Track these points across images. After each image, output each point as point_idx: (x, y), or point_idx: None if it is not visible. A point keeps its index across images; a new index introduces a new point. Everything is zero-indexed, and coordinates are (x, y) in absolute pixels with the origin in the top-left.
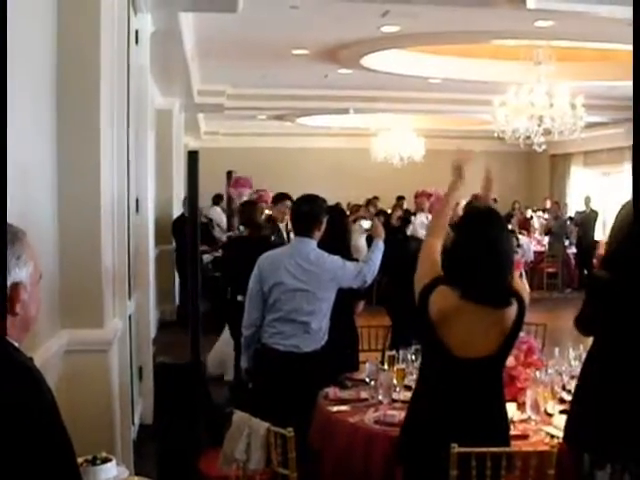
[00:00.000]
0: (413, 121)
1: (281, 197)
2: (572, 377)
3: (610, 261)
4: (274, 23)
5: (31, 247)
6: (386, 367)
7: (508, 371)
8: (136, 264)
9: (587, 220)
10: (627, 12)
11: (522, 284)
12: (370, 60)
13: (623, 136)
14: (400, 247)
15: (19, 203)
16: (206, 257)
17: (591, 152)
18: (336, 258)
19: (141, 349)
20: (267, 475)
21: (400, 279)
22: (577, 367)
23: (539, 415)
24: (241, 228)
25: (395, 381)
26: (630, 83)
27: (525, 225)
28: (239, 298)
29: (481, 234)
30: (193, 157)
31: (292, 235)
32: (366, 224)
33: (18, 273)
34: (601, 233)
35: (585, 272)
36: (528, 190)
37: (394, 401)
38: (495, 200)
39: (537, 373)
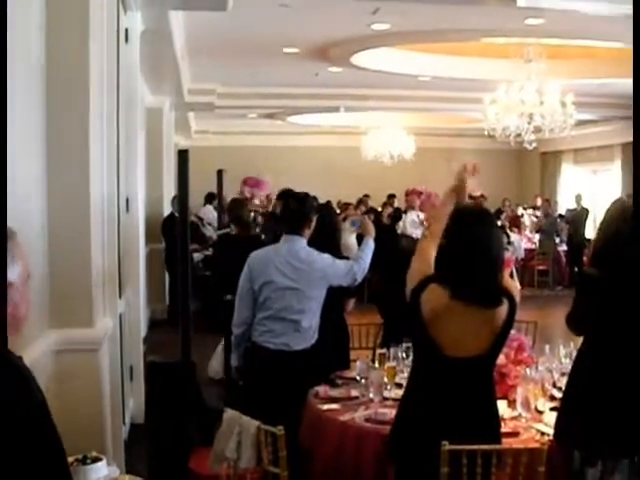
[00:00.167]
0: (403, 119)
1: (285, 194)
2: (563, 374)
3: (599, 258)
4: (264, 21)
5: (21, 246)
6: (377, 365)
7: (499, 369)
8: (126, 263)
9: (578, 217)
10: (616, 9)
11: (512, 282)
12: (360, 58)
13: (613, 134)
14: (391, 245)
15: (8, 202)
16: (197, 256)
17: (581, 150)
18: (326, 256)
19: (132, 348)
20: (258, 474)
21: (391, 277)
22: (568, 364)
23: (530, 412)
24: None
25: (386, 379)
26: (620, 80)
27: (516, 222)
28: (227, 297)
29: (470, 233)
30: (183, 156)
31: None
32: (352, 219)
33: (8, 273)
34: (592, 231)
35: (576, 269)
36: (519, 188)
37: (385, 399)
38: (484, 197)
39: (527, 370)
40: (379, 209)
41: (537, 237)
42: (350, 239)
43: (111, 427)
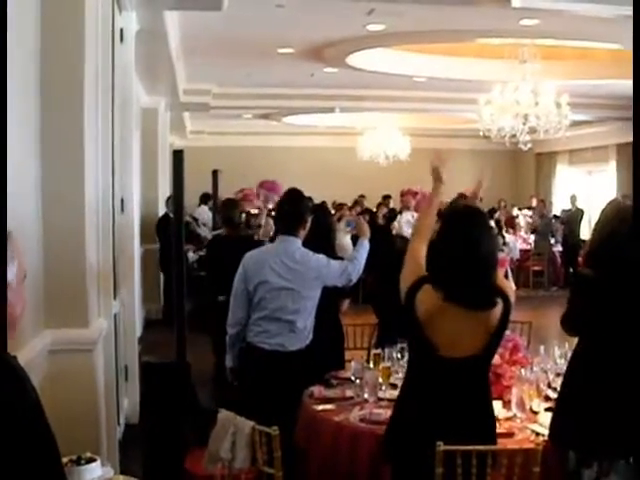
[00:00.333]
0: (399, 120)
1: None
2: (557, 375)
3: (594, 259)
4: (259, 22)
5: (17, 246)
6: (372, 365)
7: (494, 369)
8: (121, 263)
9: (573, 218)
10: (610, 10)
11: (507, 283)
12: (356, 59)
13: (608, 134)
14: (386, 246)
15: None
16: (191, 256)
17: (576, 150)
18: (321, 257)
19: (127, 348)
20: (252, 474)
21: (386, 277)
22: (562, 365)
23: (524, 413)
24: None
25: (381, 379)
26: (615, 81)
27: (511, 223)
28: (220, 298)
29: (463, 234)
30: (178, 156)
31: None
32: (347, 219)
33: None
34: (587, 231)
35: (571, 270)
36: (514, 188)
37: (380, 399)
38: (480, 199)
39: (522, 371)
40: (374, 210)
41: (532, 238)
42: (345, 240)
43: (106, 427)
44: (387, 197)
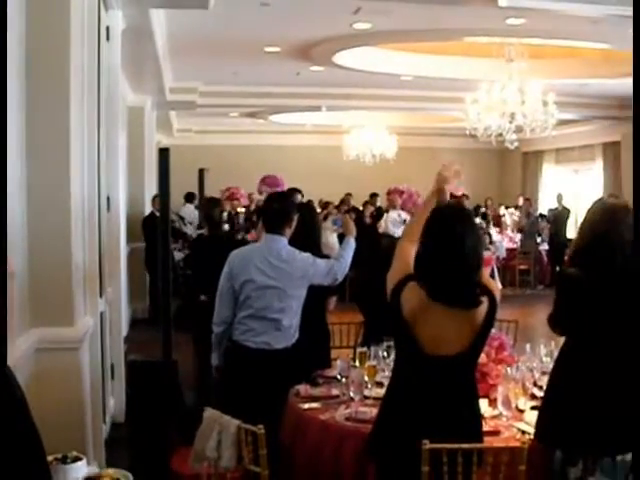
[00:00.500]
0: (385, 118)
1: (291, 192)
2: (543, 373)
3: (579, 258)
4: (245, 20)
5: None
6: (357, 364)
7: (480, 368)
8: (107, 262)
9: (559, 217)
10: (596, 10)
11: (492, 281)
12: (342, 57)
13: (594, 134)
14: (373, 244)
15: None
16: (177, 255)
17: (563, 149)
18: (307, 255)
19: (113, 347)
20: (238, 473)
21: (372, 276)
22: (548, 363)
23: (510, 411)
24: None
25: (366, 378)
26: (601, 81)
27: (497, 222)
28: (202, 297)
29: (447, 232)
30: (164, 154)
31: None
32: (333, 218)
33: None
34: (573, 230)
35: (557, 269)
36: (500, 187)
37: (365, 398)
38: (466, 197)
39: (508, 369)
40: (360, 208)
41: (518, 237)
42: (331, 238)
43: (91, 426)
44: (374, 195)
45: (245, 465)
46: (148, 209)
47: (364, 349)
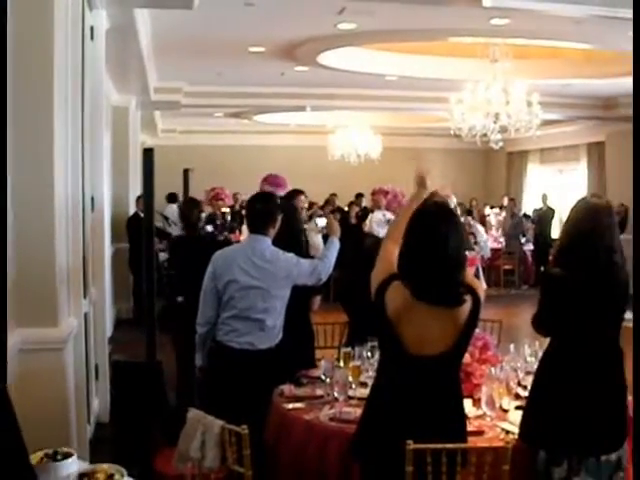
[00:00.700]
0: (370, 119)
1: (294, 193)
2: (527, 373)
3: (563, 257)
4: (230, 20)
5: None
6: (342, 364)
7: (464, 367)
8: (91, 262)
9: (544, 217)
10: (581, 11)
11: (476, 281)
12: (327, 57)
13: (579, 134)
14: (358, 244)
15: None
16: (162, 255)
17: (547, 149)
18: (290, 255)
19: (97, 348)
20: (222, 473)
21: (357, 276)
22: (533, 363)
23: (494, 411)
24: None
25: (351, 378)
26: (585, 81)
27: (482, 222)
28: (178, 299)
29: (430, 231)
30: (149, 155)
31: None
32: (321, 222)
33: None
34: (558, 230)
35: (542, 269)
36: (485, 187)
37: (350, 398)
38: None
39: (492, 369)
40: (345, 208)
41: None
42: (316, 239)
43: (76, 426)
44: (359, 195)
45: (229, 465)
46: (132, 209)
47: (348, 349)
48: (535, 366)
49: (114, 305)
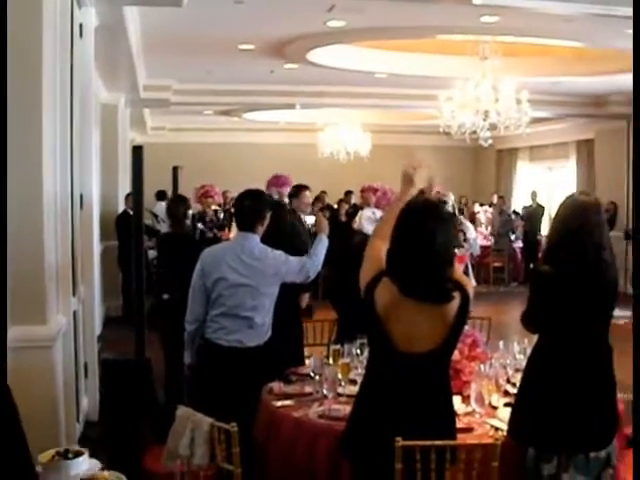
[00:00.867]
0: (359, 116)
1: (299, 189)
2: (517, 370)
3: (552, 254)
4: (219, 18)
5: None
6: (331, 361)
7: (453, 364)
8: (80, 260)
9: (533, 214)
10: (570, 8)
11: (465, 278)
12: (316, 55)
13: (568, 131)
14: (347, 242)
15: None
16: (151, 253)
17: (537, 147)
18: (279, 253)
19: (86, 346)
20: (211, 470)
21: (346, 273)
22: (522, 360)
23: (484, 408)
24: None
25: (340, 375)
26: (575, 79)
27: (472, 219)
28: (164, 296)
29: (418, 227)
30: (138, 152)
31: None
32: (309, 219)
33: None
34: (547, 227)
35: (531, 266)
36: (475, 185)
37: (339, 395)
38: (440, 193)
39: (482, 366)
40: (335, 206)
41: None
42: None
43: (65, 424)
44: (349, 193)
45: (218, 463)
46: (122, 207)
47: (337, 347)
48: (524, 363)
49: (103, 303)
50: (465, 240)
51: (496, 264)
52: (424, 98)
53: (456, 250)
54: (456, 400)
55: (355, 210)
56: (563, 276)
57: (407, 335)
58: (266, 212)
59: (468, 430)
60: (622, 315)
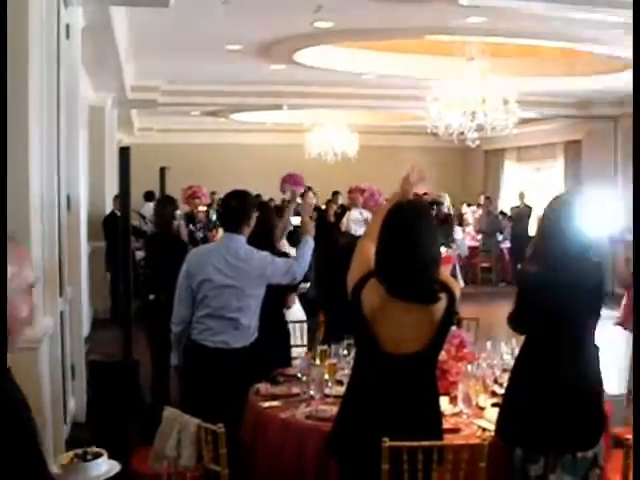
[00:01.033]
0: (347, 117)
1: (304, 190)
2: (504, 371)
3: (538, 255)
4: (206, 18)
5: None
6: (318, 362)
7: (440, 365)
8: (67, 261)
9: (521, 215)
10: (556, 9)
11: (452, 279)
12: (303, 56)
13: (556, 132)
14: (334, 243)
15: None
16: (139, 254)
17: (524, 148)
18: (265, 254)
19: (73, 347)
20: (198, 472)
21: (334, 274)
22: (509, 361)
23: (471, 409)
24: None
25: (327, 376)
26: (562, 79)
27: (460, 220)
28: (150, 297)
29: (404, 229)
30: (125, 153)
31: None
32: (295, 220)
33: None
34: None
35: (518, 266)
36: (462, 185)
37: (326, 396)
38: (426, 194)
39: (469, 367)
40: (322, 207)
41: (480, 234)
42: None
43: (52, 426)
44: (336, 193)
45: (205, 464)
46: (109, 208)
47: (325, 347)
48: (512, 364)
49: (91, 304)
50: (453, 241)
51: (484, 264)
52: (411, 99)
53: (443, 250)
54: (443, 401)
55: (343, 211)
56: (549, 276)
57: (394, 336)
58: (252, 213)
59: (455, 431)
60: (609, 315)
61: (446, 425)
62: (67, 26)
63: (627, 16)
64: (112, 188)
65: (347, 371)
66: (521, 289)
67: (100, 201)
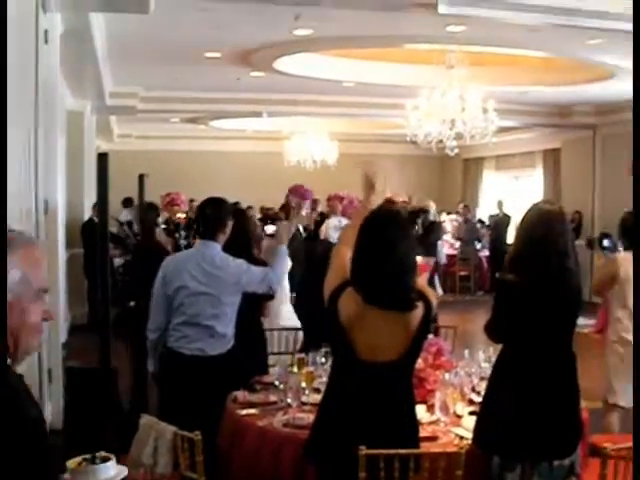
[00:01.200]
0: (326, 125)
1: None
2: (482, 379)
3: (516, 263)
4: (186, 25)
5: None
6: (296, 370)
7: (417, 373)
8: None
9: (500, 223)
10: (536, 19)
11: (428, 287)
12: (283, 63)
13: (534, 140)
14: (313, 250)
15: None
16: (117, 261)
17: (503, 156)
18: (241, 262)
19: (51, 353)
20: (175, 479)
21: (310, 281)
22: (487, 369)
23: (448, 417)
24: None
25: (304, 384)
26: (541, 88)
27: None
28: (130, 304)
29: (379, 236)
30: (103, 159)
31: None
32: (270, 229)
33: None
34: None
35: (497, 275)
36: (441, 194)
37: (303, 404)
38: (407, 203)
39: (446, 375)
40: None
41: (458, 243)
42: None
43: None
44: (314, 201)
45: (181, 471)
46: (87, 215)
47: (302, 355)
48: (489, 372)
49: (69, 311)
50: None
51: (462, 273)
52: (391, 107)
53: (419, 259)
54: (420, 409)
55: (322, 219)
56: (527, 285)
57: (370, 345)
58: (228, 220)
59: (432, 439)
60: (586, 324)
61: (423, 433)
62: (46, 31)
63: (606, 26)
64: (90, 194)
65: (324, 379)
66: (499, 297)
67: (78, 207)
